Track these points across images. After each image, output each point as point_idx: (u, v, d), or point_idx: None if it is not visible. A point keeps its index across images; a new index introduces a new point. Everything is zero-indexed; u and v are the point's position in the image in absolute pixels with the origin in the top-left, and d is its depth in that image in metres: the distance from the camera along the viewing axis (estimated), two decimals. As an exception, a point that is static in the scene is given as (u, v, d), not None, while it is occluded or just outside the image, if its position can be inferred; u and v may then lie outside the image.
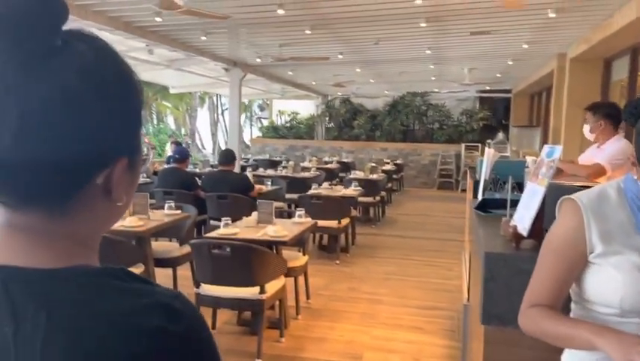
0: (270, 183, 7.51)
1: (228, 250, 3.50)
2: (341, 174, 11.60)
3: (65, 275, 0.55)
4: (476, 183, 3.44)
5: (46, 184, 0.55)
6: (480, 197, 2.94)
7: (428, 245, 7.25)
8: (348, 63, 10.76)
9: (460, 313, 4.03)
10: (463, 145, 14.92)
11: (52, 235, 0.57)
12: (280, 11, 6.11)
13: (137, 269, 4.08)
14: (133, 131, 0.62)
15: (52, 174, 0.54)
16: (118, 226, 4.16)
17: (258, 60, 10.21)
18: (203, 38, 8.19)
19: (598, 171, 3.35)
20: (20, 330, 0.51)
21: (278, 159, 13.95)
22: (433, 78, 13.43)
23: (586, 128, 3.71)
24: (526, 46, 8.51)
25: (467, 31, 7.50)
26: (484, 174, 3.09)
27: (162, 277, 4.56)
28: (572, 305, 1.32)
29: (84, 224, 0.60)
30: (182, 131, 27.50)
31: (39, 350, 0.50)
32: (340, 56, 9.63)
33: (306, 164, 11.72)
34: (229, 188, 6.04)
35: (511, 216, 2.01)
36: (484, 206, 2.65)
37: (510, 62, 10.47)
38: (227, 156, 6.31)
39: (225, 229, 4.01)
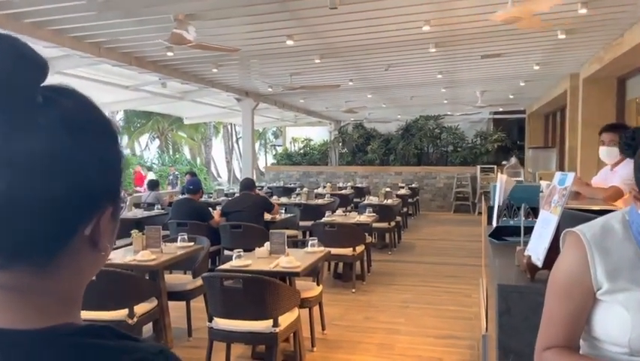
0: (284, 210, 7.50)
1: (241, 282, 3.46)
2: (355, 200, 11.55)
3: (49, 336, 0.53)
4: (490, 209, 3.38)
5: (33, 239, 0.53)
6: (494, 224, 2.88)
7: (445, 271, 7.13)
8: (358, 89, 10.82)
9: (480, 343, 3.91)
10: (478, 167, 14.80)
11: (36, 292, 0.55)
12: (289, 42, 6.18)
13: (151, 303, 4.06)
14: (116, 179, 0.61)
15: (40, 227, 0.53)
16: (130, 260, 4.17)
17: (270, 90, 10.32)
18: (215, 70, 8.32)
19: (616, 194, 3.27)
20: None
21: (292, 185, 13.96)
22: (446, 101, 13.43)
23: (602, 150, 3.62)
24: (537, 67, 8.48)
25: (477, 54, 7.50)
26: (497, 200, 3.03)
27: (176, 310, 4.53)
28: (581, 342, 1.24)
29: (69, 278, 0.58)
30: (198, 160, 27.78)
31: None
32: (351, 83, 9.69)
33: (320, 190, 11.70)
34: (251, 206, 6.40)
35: (525, 244, 1.95)
36: (499, 233, 2.59)
37: (522, 84, 10.43)
38: (248, 183, 6.97)
39: (238, 261, 3.98)
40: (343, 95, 11.66)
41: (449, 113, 16.36)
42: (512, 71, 9.11)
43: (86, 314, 3.70)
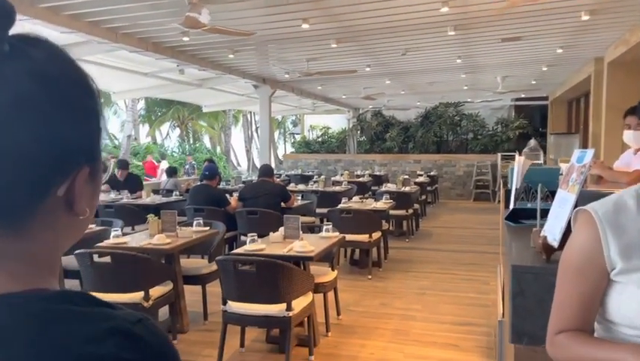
0: (300, 197, 7.49)
1: (254, 266, 3.45)
2: (373, 188, 11.46)
3: (16, 301, 0.50)
4: (508, 193, 3.30)
5: (3, 199, 0.50)
6: (511, 207, 2.80)
7: (464, 258, 7.04)
8: (376, 75, 10.70)
9: (496, 329, 3.85)
10: (499, 155, 14.56)
11: (6, 256, 0.52)
12: (305, 26, 6.11)
13: (166, 286, 4.08)
14: (92, 137, 0.57)
15: (9, 187, 0.50)
16: (146, 243, 4.19)
17: (286, 76, 10.27)
18: (231, 56, 8.30)
19: (639, 178, 3.15)
20: None
21: (310, 173, 13.94)
22: (466, 87, 13.22)
23: (627, 133, 3.50)
24: (560, 50, 8.26)
25: (497, 37, 7.33)
26: (515, 182, 2.95)
27: (193, 293, 4.56)
28: (596, 325, 1.18)
29: (43, 242, 0.55)
30: (218, 149, 27.94)
31: None
32: (368, 69, 9.58)
33: (337, 178, 11.66)
34: (268, 195, 6.37)
35: (542, 226, 1.88)
36: (515, 216, 2.51)
37: (545, 68, 10.19)
38: (266, 170, 6.87)
39: (252, 245, 3.97)
40: (361, 81, 11.55)
41: (469, 99, 16.12)
42: (534, 55, 8.90)
43: (102, 296, 3.72)
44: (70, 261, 4.19)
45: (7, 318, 0.48)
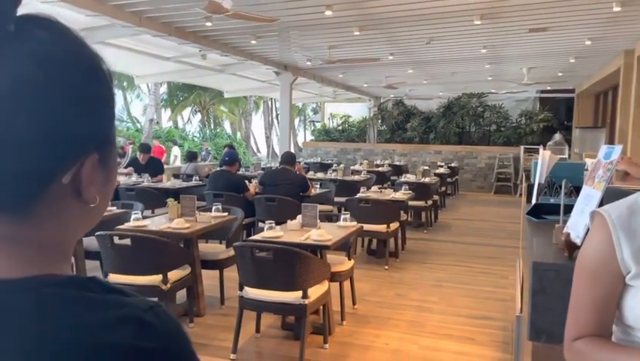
0: (319, 186, 7.47)
1: (271, 253, 3.46)
2: (393, 178, 11.40)
3: (26, 286, 0.49)
4: (530, 187, 3.23)
5: (5, 186, 0.49)
6: (533, 201, 2.75)
7: (482, 251, 6.97)
8: (399, 64, 10.58)
9: (514, 324, 3.80)
10: (522, 148, 14.33)
11: (15, 241, 0.52)
12: (328, 12, 6.05)
13: (184, 270, 4.12)
14: (102, 122, 0.55)
15: (12, 174, 0.49)
16: (165, 227, 4.24)
17: (308, 63, 10.21)
18: (253, 42, 8.27)
19: (668, 175, 3.06)
20: None
21: (329, 162, 13.91)
22: (490, 78, 12.99)
23: None
24: (589, 42, 8.05)
25: (525, 27, 7.17)
26: (538, 177, 2.89)
27: (210, 278, 4.60)
28: (614, 327, 1.15)
29: (52, 229, 0.54)
30: (238, 135, 28.06)
31: None
32: (391, 57, 9.47)
33: (356, 167, 11.61)
34: (288, 184, 6.35)
35: (565, 222, 1.84)
36: (537, 211, 2.46)
37: (572, 60, 9.95)
38: (288, 158, 6.79)
39: (269, 232, 3.98)
40: (383, 69, 11.43)
41: (493, 90, 15.86)
42: (562, 47, 8.69)
43: (121, 278, 3.79)
44: (91, 242, 4.25)
45: (19, 302, 0.48)
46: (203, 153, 18.03)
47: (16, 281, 0.49)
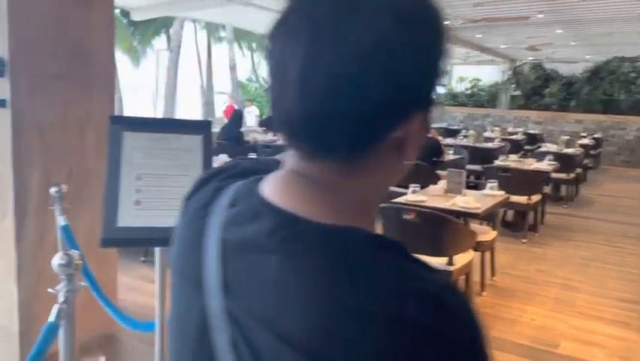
0: (451, 152, 7.25)
1: (418, 217, 3.43)
2: (527, 147, 10.73)
3: (342, 236, 0.50)
4: None
5: (345, 134, 0.50)
6: None
7: (632, 231, 6.37)
8: (548, 23, 9.73)
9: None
10: (681, 119, 12.71)
11: (337, 189, 0.53)
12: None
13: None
14: (432, 81, 0.54)
15: (355, 123, 0.49)
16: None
17: (447, 22, 9.76)
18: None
19: None
20: (283, 276, 0.49)
21: (456, 127, 13.41)
22: (649, 40, 11.54)
23: None
24: None
25: None
26: None
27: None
28: None
29: (369, 183, 0.55)
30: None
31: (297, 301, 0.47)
32: (540, 16, 8.73)
33: (488, 134, 11.08)
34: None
35: None
36: None
37: None
38: None
39: (413, 196, 3.94)
40: (528, 29, 10.59)
41: (651, 54, 14.09)
42: None
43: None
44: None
45: (321, 248, 0.49)
46: None
47: (334, 230, 0.50)
